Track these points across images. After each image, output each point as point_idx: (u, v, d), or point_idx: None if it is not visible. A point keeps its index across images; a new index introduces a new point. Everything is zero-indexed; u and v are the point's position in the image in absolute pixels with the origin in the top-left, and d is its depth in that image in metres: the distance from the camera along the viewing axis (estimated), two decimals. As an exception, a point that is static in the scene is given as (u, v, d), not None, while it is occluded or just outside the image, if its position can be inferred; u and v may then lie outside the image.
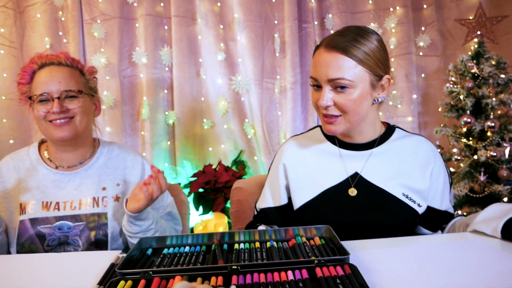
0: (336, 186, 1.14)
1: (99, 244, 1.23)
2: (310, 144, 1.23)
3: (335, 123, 1.07)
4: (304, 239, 0.97)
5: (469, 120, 2.16)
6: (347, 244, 0.91)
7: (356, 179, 1.13)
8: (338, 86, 1.02)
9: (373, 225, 1.09)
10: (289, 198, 1.21)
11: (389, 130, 1.19)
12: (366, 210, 1.10)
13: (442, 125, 2.31)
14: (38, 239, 1.19)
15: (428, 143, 1.18)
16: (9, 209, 1.23)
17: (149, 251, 0.97)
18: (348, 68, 1.02)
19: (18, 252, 1.21)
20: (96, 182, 1.27)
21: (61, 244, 1.21)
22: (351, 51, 1.02)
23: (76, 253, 1.16)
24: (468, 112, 2.19)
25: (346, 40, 1.03)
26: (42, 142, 1.34)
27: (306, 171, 1.18)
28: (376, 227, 1.09)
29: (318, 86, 1.07)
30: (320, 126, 1.25)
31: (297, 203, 1.17)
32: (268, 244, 0.96)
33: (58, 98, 1.19)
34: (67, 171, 1.27)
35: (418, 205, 1.11)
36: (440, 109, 2.40)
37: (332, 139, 1.20)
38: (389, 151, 1.14)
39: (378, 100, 1.08)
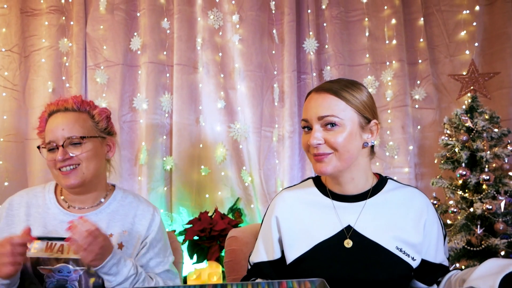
0: (331, 239, 1.11)
1: None
2: (302, 197, 1.22)
3: (325, 161, 1.07)
4: None
5: (464, 172, 2.17)
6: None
7: (350, 232, 1.11)
8: (328, 124, 1.05)
9: (367, 280, 1.07)
10: (283, 252, 1.18)
11: (382, 181, 1.19)
12: (361, 263, 1.08)
13: (438, 177, 2.32)
14: (38, 280, 1.17)
15: (421, 195, 1.17)
16: None
17: None
18: (337, 106, 1.06)
19: None
20: (104, 227, 1.23)
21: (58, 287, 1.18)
22: (340, 93, 1.07)
23: None
24: (463, 164, 2.20)
25: (336, 85, 1.10)
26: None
27: (299, 224, 1.16)
28: (370, 283, 1.07)
29: (308, 128, 1.10)
30: (313, 178, 1.26)
31: (290, 257, 1.15)
32: None
33: (62, 145, 1.19)
34: (78, 213, 1.25)
35: (413, 258, 1.09)
36: (436, 161, 2.41)
37: (324, 190, 1.19)
38: (382, 203, 1.14)
39: (368, 144, 1.11)
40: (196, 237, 2.39)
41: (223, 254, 2.32)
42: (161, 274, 1.30)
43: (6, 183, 2.47)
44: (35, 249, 1.19)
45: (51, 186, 1.32)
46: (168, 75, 2.63)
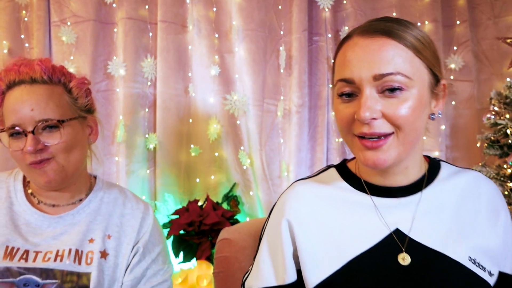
0: (374, 250, 0.81)
1: None
2: (325, 192, 0.89)
3: (384, 148, 0.76)
4: None
5: (520, 159, 1.85)
6: None
7: (404, 241, 0.81)
8: (388, 89, 0.74)
9: None
10: (299, 271, 0.87)
11: (434, 165, 0.90)
12: (423, 286, 0.78)
13: (481, 164, 1.99)
14: None
15: (489, 181, 0.89)
16: None
17: None
18: (402, 59, 0.74)
19: None
20: (83, 231, 1.06)
21: None
22: (403, 36, 0.75)
23: None
24: (517, 149, 1.87)
25: (392, 24, 0.77)
26: None
27: (323, 232, 0.85)
28: None
29: (349, 95, 0.78)
30: (335, 166, 0.95)
31: (312, 281, 0.82)
32: None
33: (33, 131, 0.97)
34: (49, 215, 1.06)
35: (490, 273, 0.80)
36: (478, 145, 2.11)
37: (358, 183, 0.88)
38: (441, 195, 0.84)
39: (435, 116, 0.82)
40: (182, 232, 2.11)
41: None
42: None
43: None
44: None
45: (18, 175, 1.12)
46: (150, 34, 2.32)
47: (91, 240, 1.06)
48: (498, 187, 0.90)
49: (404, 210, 0.84)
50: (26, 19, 2.23)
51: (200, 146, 2.36)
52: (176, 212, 2.16)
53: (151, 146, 2.31)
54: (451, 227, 0.83)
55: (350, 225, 0.85)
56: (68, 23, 2.22)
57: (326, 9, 2.31)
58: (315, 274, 0.84)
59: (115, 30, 2.30)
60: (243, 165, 2.35)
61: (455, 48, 2.32)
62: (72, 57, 2.22)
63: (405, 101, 0.74)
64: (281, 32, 2.36)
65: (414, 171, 0.85)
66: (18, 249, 1.00)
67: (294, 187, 0.94)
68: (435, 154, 2.26)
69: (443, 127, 2.28)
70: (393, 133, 0.75)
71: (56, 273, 1.00)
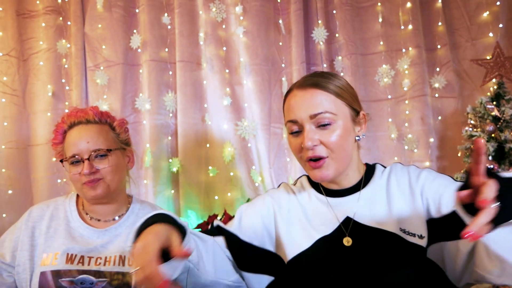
0: (327, 237, 1.05)
1: None
2: (298, 193, 1.18)
3: (324, 166, 1.01)
4: None
5: (491, 166, 2.01)
6: None
7: (350, 225, 1.05)
8: (321, 124, 1.00)
9: (373, 279, 0.97)
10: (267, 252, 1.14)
11: (370, 169, 1.15)
12: (364, 262, 0.99)
13: (462, 171, 2.15)
14: None
15: (399, 166, 1.12)
16: (33, 257, 1.23)
17: None
18: (328, 102, 1.01)
19: None
20: (124, 241, 1.26)
21: None
22: (327, 86, 1.02)
23: None
24: (490, 157, 2.03)
25: (318, 78, 1.04)
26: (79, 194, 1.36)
27: (296, 219, 1.12)
28: (378, 281, 0.96)
29: (296, 132, 1.04)
30: (306, 175, 1.21)
31: (290, 254, 1.07)
32: None
33: (88, 159, 1.21)
34: (98, 228, 1.28)
35: (420, 236, 0.98)
36: (459, 154, 2.24)
37: (317, 187, 1.16)
38: (374, 189, 1.09)
39: (359, 138, 1.08)
40: None
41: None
42: None
43: (10, 191, 2.41)
44: (55, 261, 1.20)
45: (72, 198, 1.35)
46: (170, 72, 2.52)
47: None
48: (409, 166, 1.09)
49: (349, 204, 1.08)
50: (66, 66, 2.48)
51: (217, 167, 2.49)
52: (198, 226, 2.32)
53: (174, 169, 2.48)
54: (384, 209, 1.04)
55: (314, 217, 1.10)
56: (101, 68, 2.45)
57: (321, 43, 2.49)
58: (291, 250, 1.07)
59: (141, 71, 2.50)
60: (255, 182, 2.49)
61: (438, 69, 2.47)
62: (105, 96, 2.43)
63: (334, 131, 1.00)
64: (283, 65, 2.53)
65: (354, 175, 1.10)
66: (76, 255, 1.23)
67: (281, 188, 1.22)
68: (426, 164, 2.42)
69: (431, 139, 2.42)
70: (327, 157, 1.00)
71: (106, 273, 1.21)
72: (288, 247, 1.08)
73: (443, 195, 0.97)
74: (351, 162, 1.08)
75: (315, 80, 1.03)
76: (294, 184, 1.23)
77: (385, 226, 1.02)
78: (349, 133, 1.04)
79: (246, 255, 1.10)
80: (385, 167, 1.15)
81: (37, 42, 2.48)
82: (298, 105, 1.02)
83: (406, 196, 1.04)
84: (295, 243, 1.08)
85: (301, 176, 1.24)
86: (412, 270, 0.96)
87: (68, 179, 2.41)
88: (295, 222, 1.11)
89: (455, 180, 1.05)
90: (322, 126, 1.00)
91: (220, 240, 1.10)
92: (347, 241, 1.03)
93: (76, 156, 1.23)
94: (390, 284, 0.95)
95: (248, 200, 2.47)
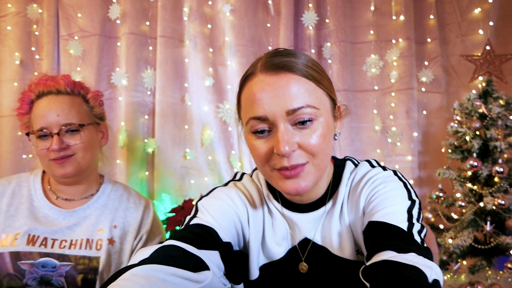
0: (281, 260, 0.88)
1: None
2: (255, 198, 0.91)
3: (302, 175, 0.76)
4: None
5: (475, 163, 1.99)
6: None
7: (307, 249, 0.87)
8: (299, 122, 0.74)
9: None
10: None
11: (339, 169, 0.90)
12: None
13: (445, 167, 2.13)
14: (16, 277, 1.10)
15: (365, 167, 0.88)
16: None
17: None
18: (308, 92, 0.74)
19: None
20: (93, 223, 1.19)
21: (43, 284, 1.11)
22: (303, 69, 0.75)
23: None
24: (474, 154, 2.01)
25: (290, 59, 0.76)
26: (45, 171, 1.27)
27: (259, 232, 0.90)
28: None
29: (262, 132, 0.75)
30: (248, 174, 0.97)
31: (253, 273, 0.89)
32: None
33: (58, 133, 1.13)
34: (65, 209, 1.20)
35: (361, 252, 0.84)
36: (443, 150, 2.23)
37: (275, 192, 0.90)
38: (340, 199, 0.86)
39: (337, 135, 0.84)
40: (178, 227, 2.19)
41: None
42: None
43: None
44: (15, 242, 1.12)
45: (37, 175, 1.26)
46: (151, 48, 2.40)
47: (100, 230, 1.19)
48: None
49: (311, 223, 0.87)
50: (36, 33, 2.32)
51: (195, 150, 2.41)
52: (172, 210, 2.25)
53: (150, 150, 2.38)
54: (340, 227, 0.85)
55: (271, 233, 0.89)
56: (76, 37, 2.30)
57: (310, 27, 2.42)
58: (254, 269, 0.89)
59: (119, 44, 2.38)
60: (233, 168, 2.43)
61: (426, 63, 2.45)
62: (78, 68, 2.30)
63: (316, 131, 0.75)
64: (269, 48, 2.44)
65: (323, 184, 0.86)
66: (38, 236, 1.14)
67: (246, 180, 0.95)
68: (408, 158, 2.39)
69: (415, 134, 2.40)
70: (307, 162, 0.76)
71: (71, 257, 1.13)
72: (253, 263, 0.89)
73: (369, 206, 0.79)
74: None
75: (287, 61, 0.75)
76: (251, 176, 0.97)
77: (343, 250, 0.84)
78: (331, 132, 0.80)
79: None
80: (356, 165, 0.92)
81: (4, 4, 2.30)
82: (269, 96, 0.73)
83: (354, 206, 0.85)
84: (259, 258, 0.89)
85: (243, 174, 0.98)
86: None
87: (34, 154, 2.27)
88: (259, 235, 0.90)
89: (409, 198, 0.80)
90: (301, 124, 0.74)
91: None
92: (302, 268, 0.87)
93: (44, 130, 1.13)
94: None
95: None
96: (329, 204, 0.87)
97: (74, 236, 1.17)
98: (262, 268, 0.89)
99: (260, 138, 0.76)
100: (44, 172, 1.28)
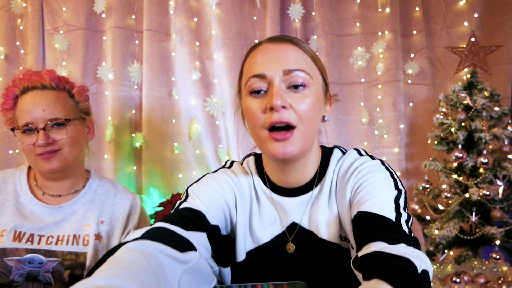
0: (270, 243, 0.91)
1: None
2: (243, 183, 0.95)
3: (290, 140, 0.80)
4: None
5: (460, 154, 2.01)
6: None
7: (294, 231, 0.90)
8: (294, 85, 0.80)
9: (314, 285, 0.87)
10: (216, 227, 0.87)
11: (327, 154, 0.94)
12: (305, 269, 0.89)
13: (431, 158, 2.15)
14: (3, 273, 1.09)
15: (353, 155, 0.91)
16: None
17: None
18: (304, 61, 0.83)
19: None
20: (80, 219, 1.19)
21: (30, 280, 1.11)
22: (303, 46, 0.85)
23: None
24: (459, 146, 2.03)
25: (293, 38, 0.87)
26: (31, 167, 1.26)
27: (247, 216, 0.93)
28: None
29: (259, 92, 0.81)
30: (255, 155, 1.00)
31: (241, 253, 0.91)
32: None
33: (44, 128, 1.12)
34: (51, 205, 1.20)
35: (346, 239, 0.87)
36: (429, 142, 2.24)
37: (263, 177, 0.94)
38: (327, 184, 0.90)
39: (326, 118, 0.90)
40: None
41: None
42: None
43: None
44: (1, 238, 1.12)
45: (23, 171, 1.25)
46: (137, 42, 2.38)
47: (87, 226, 1.19)
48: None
49: (298, 208, 0.91)
50: (21, 27, 2.29)
51: (183, 145, 2.40)
52: (160, 205, 2.23)
53: (138, 145, 2.37)
54: (328, 213, 0.89)
55: (259, 217, 0.93)
56: (61, 32, 2.28)
57: (297, 20, 2.41)
58: (241, 252, 0.91)
59: (104, 38, 2.36)
60: (221, 162, 2.39)
61: (412, 55, 2.46)
62: (64, 63, 2.27)
63: (307, 97, 0.81)
64: (256, 41, 2.42)
65: (311, 168, 0.90)
66: (24, 233, 1.13)
67: (236, 167, 0.98)
68: (395, 150, 2.42)
69: (402, 126, 2.42)
70: (295, 127, 0.79)
71: (58, 253, 1.13)
72: (241, 246, 0.92)
73: (357, 196, 0.81)
74: (312, 149, 0.89)
75: (290, 37, 0.87)
76: (241, 164, 1.01)
77: (329, 235, 0.88)
78: (320, 105, 0.86)
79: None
80: (344, 153, 0.95)
81: (-13, -2, 2.26)
82: (270, 57, 0.81)
83: (341, 194, 0.87)
84: (246, 241, 0.92)
85: (248, 156, 1.01)
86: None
87: (21, 150, 2.26)
88: (246, 220, 0.93)
89: (396, 188, 0.82)
90: (295, 87, 0.80)
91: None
92: (289, 248, 0.91)
93: (30, 125, 1.12)
94: None
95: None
96: (316, 189, 0.90)
97: (61, 232, 1.16)
98: (249, 253, 0.92)
99: (256, 98, 0.82)
100: (30, 168, 1.27)
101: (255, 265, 0.92)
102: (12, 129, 1.17)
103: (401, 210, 0.77)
